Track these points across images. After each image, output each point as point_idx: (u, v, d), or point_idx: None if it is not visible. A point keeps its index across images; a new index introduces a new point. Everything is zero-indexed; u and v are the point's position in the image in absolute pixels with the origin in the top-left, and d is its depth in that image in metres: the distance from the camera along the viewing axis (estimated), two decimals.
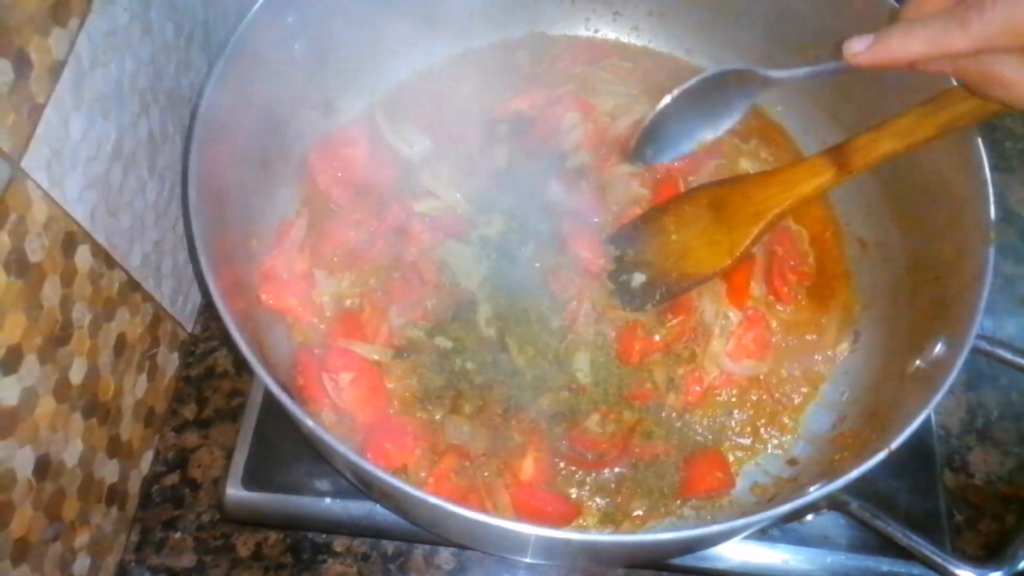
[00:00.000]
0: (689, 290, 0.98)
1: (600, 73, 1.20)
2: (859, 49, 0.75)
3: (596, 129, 1.13)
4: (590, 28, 1.25)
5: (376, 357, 0.95)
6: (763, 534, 0.94)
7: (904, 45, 0.70)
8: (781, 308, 1.03)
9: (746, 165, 1.13)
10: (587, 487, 0.93)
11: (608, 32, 1.25)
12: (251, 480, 0.95)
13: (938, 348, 0.85)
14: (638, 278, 0.99)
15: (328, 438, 0.73)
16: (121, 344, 0.91)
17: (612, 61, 1.22)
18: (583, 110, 1.14)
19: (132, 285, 0.92)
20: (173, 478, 1.01)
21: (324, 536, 0.98)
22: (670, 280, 0.97)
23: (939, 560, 0.81)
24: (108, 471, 0.92)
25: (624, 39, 1.25)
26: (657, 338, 0.99)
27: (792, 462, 0.96)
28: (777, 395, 0.99)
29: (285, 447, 0.96)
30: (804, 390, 1.00)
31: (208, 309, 1.11)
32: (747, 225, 0.92)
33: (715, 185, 0.99)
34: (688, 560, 0.93)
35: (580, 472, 0.93)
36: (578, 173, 1.10)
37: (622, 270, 1.00)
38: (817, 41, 1.09)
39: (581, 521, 0.92)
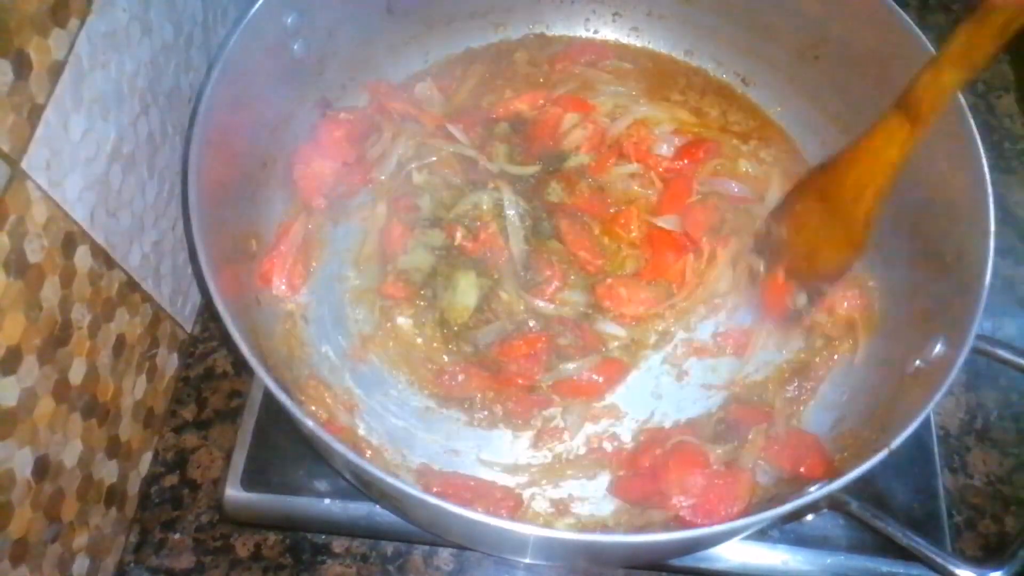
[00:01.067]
0: (831, 287, 0.98)
1: (600, 74, 1.20)
2: None
3: (596, 130, 1.13)
4: (590, 28, 1.25)
5: None
6: (763, 534, 0.94)
7: None
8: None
9: (745, 166, 1.13)
10: None
11: (608, 33, 1.25)
12: (250, 481, 0.94)
13: (938, 348, 0.85)
14: (800, 298, 0.97)
15: (328, 438, 0.73)
16: (120, 345, 0.91)
17: (612, 61, 1.22)
18: (582, 110, 1.14)
19: (131, 286, 0.92)
20: (172, 479, 1.01)
21: (323, 537, 0.98)
22: (813, 285, 0.96)
23: (939, 560, 0.81)
24: (107, 472, 0.91)
25: (624, 39, 1.25)
26: None
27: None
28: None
29: (284, 448, 0.96)
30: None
31: (207, 309, 1.11)
32: (854, 212, 0.87)
33: (810, 179, 0.94)
34: (688, 560, 0.93)
35: None
36: (578, 173, 1.10)
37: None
38: (817, 41, 1.09)
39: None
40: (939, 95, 0.79)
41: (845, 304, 1.02)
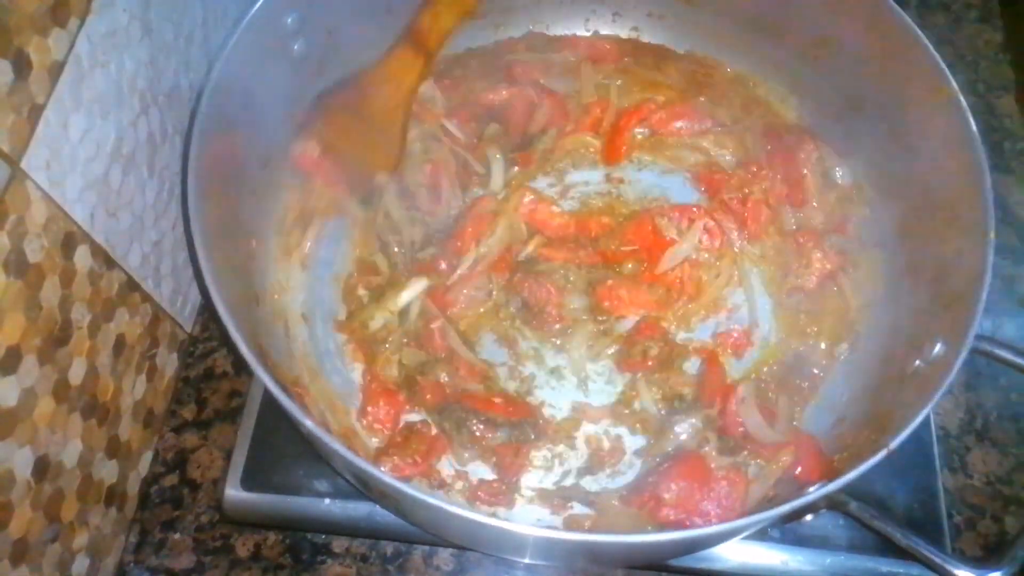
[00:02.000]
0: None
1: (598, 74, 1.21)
2: None
3: (556, 103, 1.15)
4: (590, 28, 1.25)
5: None
6: (763, 534, 0.94)
7: None
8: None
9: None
10: None
11: (608, 33, 1.25)
12: (250, 481, 0.94)
13: (937, 348, 0.85)
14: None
15: (327, 438, 0.73)
16: (120, 345, 0.91)
17: (609, 62, 1.22)
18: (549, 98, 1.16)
19: (131, 285, 0.92)
20: (172, 479, 1.01)
21: (323, 537, 0.98)
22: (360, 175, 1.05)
23: (938, 561, 0.81)
24: (107, 472, 0.91)
25: (624, 40, 1.25)
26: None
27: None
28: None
29: (284, 448, 0.96)
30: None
31: (207, 309, 1.11)
32: (390, 123, 1.02)
33: (334, 98, 1.04)
34: (688, 560, 0.93)
35: None
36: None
37: None
38: (817, 41, 1.09)
39: None
40: (442, 34, 1.00)
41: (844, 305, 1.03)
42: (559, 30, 1.24)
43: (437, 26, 0.98)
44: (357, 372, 0.99)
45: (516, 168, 1.12)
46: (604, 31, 1.24)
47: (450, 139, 1.11)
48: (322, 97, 1.04)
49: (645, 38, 1.24)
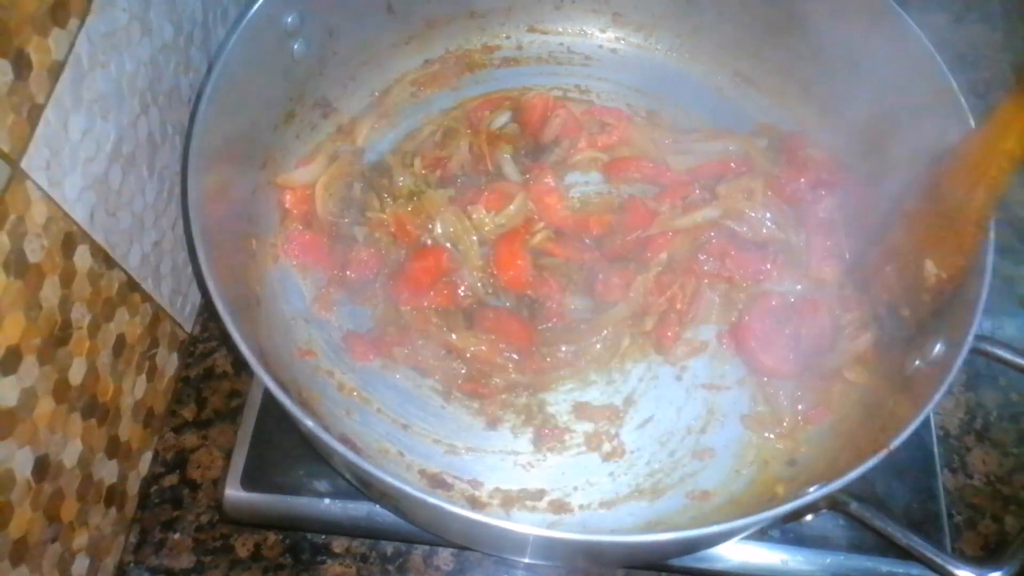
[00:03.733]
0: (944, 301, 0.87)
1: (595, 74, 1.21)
2: None
3: (568, 115, 1.15)
4: (590, 28, 1.25)
5: None
6: (762, 534, 0.94)
7: None
8: None
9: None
10: None
11: (608, 33, 1.25)
12: (250, 481, 0.94)
13: (937, 348, 0.85)
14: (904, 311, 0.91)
15: (327, 438, 0.73)
16: (120, 344, 0.91)
17: (609, 63, 1.23)
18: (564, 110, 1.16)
19: (131, 285, 0.92)
20: (172, 479, 1.01)
21: (323, 537, 0.98)
22: (922, 302, 0.88)
23: (938, 561, 0.81)
24: (107, 472, 0.91)
25: (624, 40, 1.25)
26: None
27: (791, 462, 0.96)
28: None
29: (284, 448, 0.96)
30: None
31: (207, 309, 1.11)
32: (963, 211, 0.80)
33: (917, 191, 0.87)
34: (687, 560, 0.93)
35: None
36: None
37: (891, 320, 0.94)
38: (817, 43, 1.09)
39: None
40: None
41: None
42: (559, 30, 1.24)
43: None
44: (357, 367, 1.00)
45: (526, 176, 1.11)
46: (605, 32, 1.25)
47: (471, 131, 1.12)
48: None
49: (645, 39, 1.24)
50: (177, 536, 0.98)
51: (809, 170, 1.08)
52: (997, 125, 0.78)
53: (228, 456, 0.98)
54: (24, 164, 0.71)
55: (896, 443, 0.75)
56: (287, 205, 1.05)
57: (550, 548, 0.87)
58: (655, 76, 1.22)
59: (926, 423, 1.00)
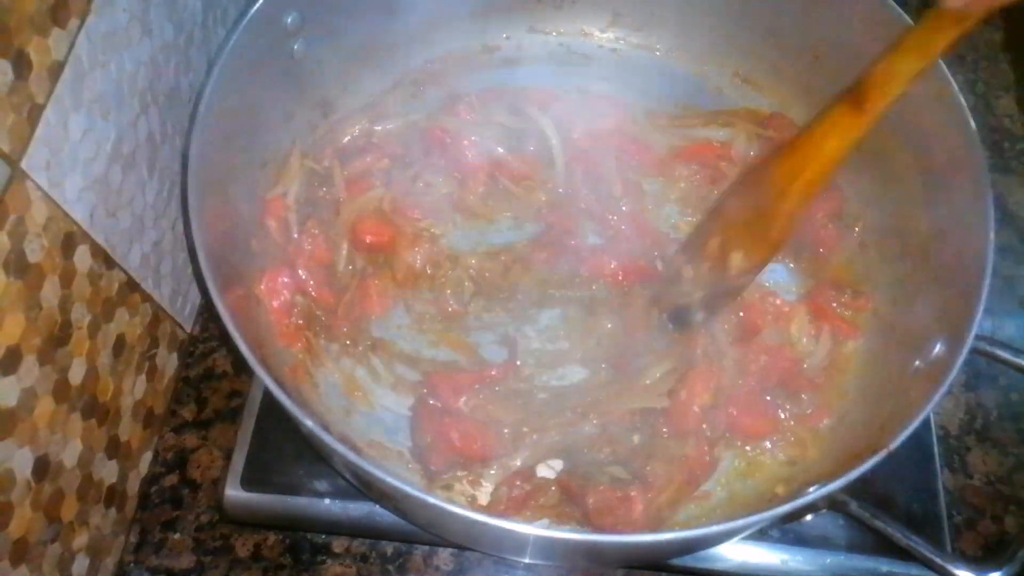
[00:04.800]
0: (741, 292, 0.93)
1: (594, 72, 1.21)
2: None
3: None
4: (590, 28, 1.25)
5: None
6: (762, 534, 0.94)
7: None
8: None
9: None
10: None
11: (608, 33, 1.25)
12: (250, 481, 0.94)
13: (938, 348, 0.85)
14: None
15: (327, 438, 0.73)
16: (120, 345, 0.91)
17: (609, 63, 1.23)
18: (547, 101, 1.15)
19: (131, 285, 0.92)
20: (172, 479, 1.01)
21: (323, 537, 0.98)
22: (722, 288, 0.92)
23: (938, 561, 0.81)
24: (107, 472, 0.91)
25: (624, 40, 1.25)
26: None
27: (791, 463, 0.96)
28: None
29: (284, 447, 0.96)
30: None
31: (207, 309, 1.11)
32: (778, 205, 0.82)
33: (749, 172, 0.90)
34: (687, 560, 0.93)
35: None
36: None
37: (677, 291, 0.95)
38: (817, 41, 1.09)
39: None
40: (891, 84, 0.75)
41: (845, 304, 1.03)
42: (559, 30, 1.24)
43: (890, 75, 0.75)
44: (357, 367, 0.99)
45: None
46: (605, 32, 1.25)
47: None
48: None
49: (645, 39, 1.24)
50: (177, 536, 0.98)
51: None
52: (820, 127, 0.80)
53: (228, 456, 0.98)
54: (24, 164, 0.71)
55: (896, 443, 0.75)
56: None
57: (550, 548, 0.87)
58: (655, 76, 1.22)
59: (926, 423, 1.00)
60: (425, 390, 0.95)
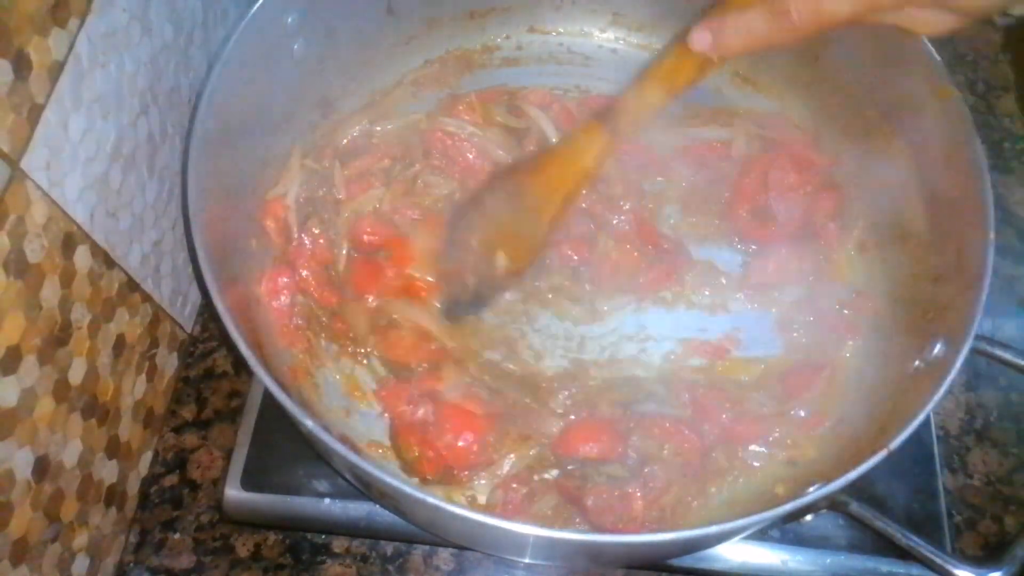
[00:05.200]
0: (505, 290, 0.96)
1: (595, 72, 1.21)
2: None
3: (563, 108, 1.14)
4: (590, 28, 1.25)
5: None
6: (762, 534, 0.94)
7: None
8: None
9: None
10: None
11: (608, 33, 1.25)
12: (250, 481, 0.94)
13: (937, 348, 0.85)
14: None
15: (327, 438, 0.73)
16: (120, 344, 0.91)
17: (609, 63, 1.23)
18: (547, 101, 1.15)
19: (131, 285, 0.92)
20: (172, 479, 1.01)
21: (323, 537, 0.98)
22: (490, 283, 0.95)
23: (939, 561, 0.81)
24: (107, 472, 0.92)
25: (624, 40, 1.25)
26: None
27: (791, 463, 0.95)
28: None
29: (284, 448, 0.96)
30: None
31: (207, 309, 1.11)
32: (540, 213, 0.89)
33: (505, 173, 0.95)
34: (687, 560, 0.93)
35: None
36: None
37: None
38: (817, 41, 1.09)
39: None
40: (641, 111, 0.83)
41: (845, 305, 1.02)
42: (559, 30, 1.24)
43: (639, 103, 0.82)
44: (357, 367, 0.99)
45: None
46: (606, 32, 1.25)
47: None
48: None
49: (645, 39, 1.24)
50: (177, 536, 0.98)
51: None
52: (576, 145, 0.87)
53: (228, 456, 0.98)
54: (24, 164, 0.71)
55: (896, 443, 0.75)
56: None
57: (550, 548, 0.87)
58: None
59: (926, 423, 1.00)
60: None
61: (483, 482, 0.91)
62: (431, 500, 0.70)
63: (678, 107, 1.17)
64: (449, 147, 1.08)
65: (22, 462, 0.76)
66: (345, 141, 1.11)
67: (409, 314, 0.97)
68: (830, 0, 0.66)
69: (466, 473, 0.91)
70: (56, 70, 0.74)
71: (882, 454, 0.75)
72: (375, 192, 1.06)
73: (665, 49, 0.79)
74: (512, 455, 0.92)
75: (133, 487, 0.98)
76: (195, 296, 1.10)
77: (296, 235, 1.01)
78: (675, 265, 1.05)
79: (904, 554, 0.82)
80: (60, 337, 0.79)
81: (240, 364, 1.07)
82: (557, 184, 0.87)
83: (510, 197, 0.91)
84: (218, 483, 0.99)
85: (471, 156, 1.08)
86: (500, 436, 0.92)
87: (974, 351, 0.80)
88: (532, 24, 1.24)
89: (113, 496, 0.93)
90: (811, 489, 0.75)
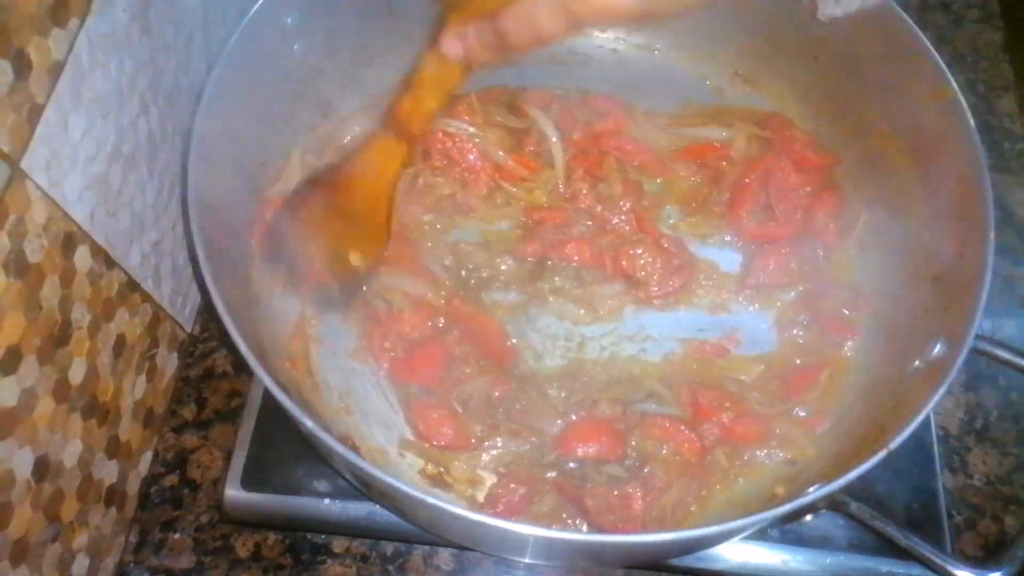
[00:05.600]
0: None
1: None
2: None
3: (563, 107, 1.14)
4: (590, 29, 1.25)
5: None
6: (762, 535, 0.94)
7: None
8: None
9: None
10: None
11: (608, 33, 1.25)
12: (250, 481, 0.94)
13: (937, 348, 0.85)
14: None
15: (327, 438, 0.73)
16: (120, 344, 0.91)
17: (609, 63, 1.23)
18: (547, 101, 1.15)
19: (131, 285, 0.92)
20: (172, 479, 1.01)
21: (323, 537, 0.98)
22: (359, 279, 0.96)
23: (938, 561, 0.81)
24: (107, 472, 0.92)
25: (624, 40, 1.25)
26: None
27: (791, 463, 0.95)
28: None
29: (284, 448, 0.96)
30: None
31: (207, 309, 1.11)
32: (373, 218, 0.92)
33: (311, 193, 0.95)
34: (687, 560, 0.93)
35: None
36: None
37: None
38: (817, 41, 1.09)
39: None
40: (425, 118, 0.87)
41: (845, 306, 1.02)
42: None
43: (419, 110, 0.86)
44: (357, 368, 0.99)
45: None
46: (605, 33, 1.24)
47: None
48: (301, 188, 0.96)
49: (644, 39, 1.24)
50: (177, 536, 0.98)
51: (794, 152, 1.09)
52: (374, 157, 0.90)
53: (228, 456, 0.98)
54: (24, 164, 0.71)
55: (896, 443, 0.75)
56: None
57: (550, 548, 0.87)
58: (655, 76, 1.21)
59: (926, 423, 1.00)
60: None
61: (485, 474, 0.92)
62: (431, 500, 0.70)
63: (678, 108, 1.18)
64: (450, 148, 1.08)
65: (22, 462, 0.76)
66: (346, 140, 1.11)
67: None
68: (542, 23, 0.70)
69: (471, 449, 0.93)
70: (56, 70, 0.74)
71: (882, 454, 0.75)
72: None
73: (424, 56, 0.83)
74: (499, 441, 0.93)
75: (133, 487, 0.98)
76: (195, 296, 1.10)
77: None
78: (683, 273, 1.05)
79: (904, 554, 0.82)
80: (60, 337, 0.79)
81: (240, 364, 1.07)
82: (378, 193, 0.91)
83: (333, 214, 0.93)
84: (218, 483, 0.99)
85: (472, 157, 1.08)
86: (490, 427, 0.93)
87: (974, 351, 0.81)
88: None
89: (113, 496, 0.93)
90: (811, 489, 0.75)
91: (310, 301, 1.00)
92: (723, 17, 1.17)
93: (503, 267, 1.04)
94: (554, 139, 1.09)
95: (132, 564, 0.97)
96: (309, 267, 0.93)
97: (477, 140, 1.08)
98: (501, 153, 1.08)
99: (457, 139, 1.08)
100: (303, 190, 0.96)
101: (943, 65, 0.93)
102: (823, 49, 1.09)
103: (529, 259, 1.04)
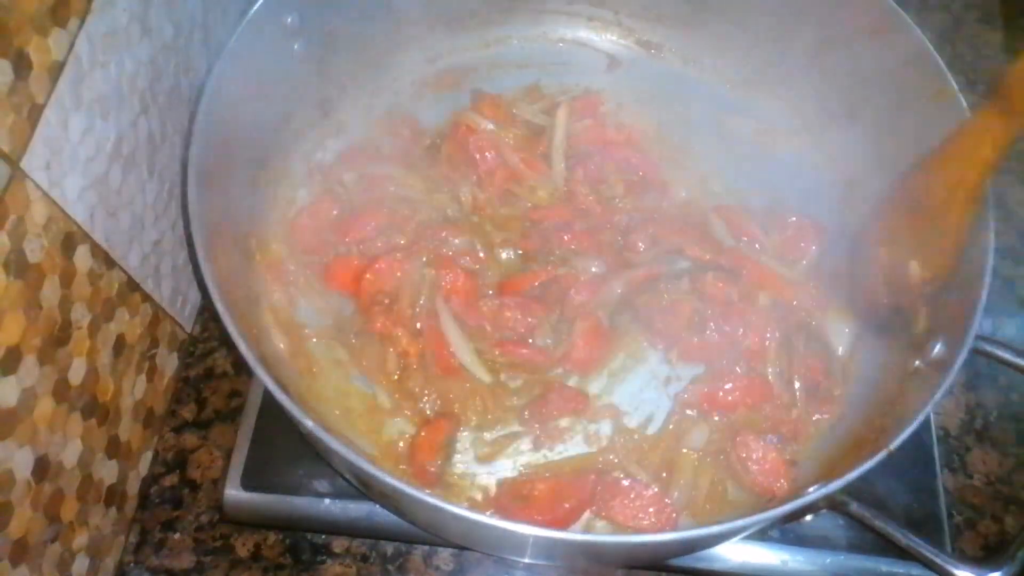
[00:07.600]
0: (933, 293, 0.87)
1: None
2: None
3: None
4: (591, 29, 1.25)
5: None
6: (762, 534, 0.94)
7: None
8: None
9: None
10: None
11: (610, 34, 1.25)
12: (250, 481, 0.94)
13: (937, 348, 0.85)
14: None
15: (327, 438, 0.73)
16: (120, 344, 0.91)
17: (610, 64, 1.23)
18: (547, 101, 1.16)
19: (131, 285, 0.92)
20: (172, 479, 1.01)
21: (323, 537, 0.98)
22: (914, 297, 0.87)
23: (938, 561, 0.81)
24: (107, 472, 0.92)
25: (626, 41, 1.25)
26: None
27: (791, 463, 0.95)
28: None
29: (284, 447, 0.96)
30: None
31: (207, 310, 1.11)
32: (945, 219, 0.81)
33: (900, 191, 0.88)
34: (687, 560, 0.93)
35: None
36: None
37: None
38: (817, 42, 1.09)
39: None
40: None
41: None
42: (559, 31, 1.24)
43: None
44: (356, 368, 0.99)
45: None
46: (605, 32, 1.25)
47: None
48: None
49: (645, 39, 1.24)
50: (177, 536, 0.98)
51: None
52: (973, 134, 0.79)
53: (228, 456, 0.98)
54: (24, 164, 0.71)
55: (896, 443, 0.75)
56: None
57: (550, 548, 0.87)
58: (657, 77, 1.22)
59: (926, 423, 1.00)
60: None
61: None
62: (431, 500, 0.70)
63: (677, 108, 1.18)
64: (470, 142, 1.08)
65: (22, 462, 0.76)
66: (346, 140, 1.11)
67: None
68: None
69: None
70: (56, 70, 0.74)
71: (882, 454, 0.75)
72: (376, 192, 1.06)
73: None
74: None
75: (133, 487, 0.98)
76: (195, 296, 1.10)
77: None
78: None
79: (904, 554, 0.82)
80: (60, 337, 0.79)
81: (240, 364, 1.07)
82: (957, 183, 0.79)
83: (910, 202, 0.84)
84: (218, 483, 0.99)
85: (489, 156, 1.08)
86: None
87: (974, 351, 0.81)
88: (532, 24, 1.24)
89: (113, 496, 0.93)
90: (811, 489, 0.75)
91: (858, 318, 0.94)
92: (723, 17, 1.17)
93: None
94: (554, 140, 1.09)
95: (132, 564, 0.97)
96: (865, 278, 0.85)
97: (494, 137, 1.08)
98: (515, 157, 1.08)
99: (479, 133, 1.08)
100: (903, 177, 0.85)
101: (943, 65, 0.93)
102: (823, 49, 1.09)
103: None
